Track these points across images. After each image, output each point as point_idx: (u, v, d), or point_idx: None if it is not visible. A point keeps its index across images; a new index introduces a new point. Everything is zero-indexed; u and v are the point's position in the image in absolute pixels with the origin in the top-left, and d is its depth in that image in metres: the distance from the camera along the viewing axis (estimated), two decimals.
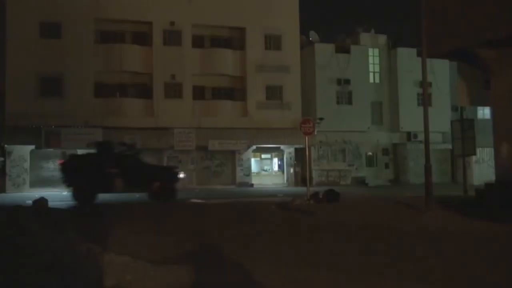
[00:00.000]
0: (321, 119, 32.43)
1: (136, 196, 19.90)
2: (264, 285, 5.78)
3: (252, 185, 33.20)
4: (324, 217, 13.49)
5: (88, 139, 29.89)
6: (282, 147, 34.77)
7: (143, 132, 30.94)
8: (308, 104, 35.04)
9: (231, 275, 6.28)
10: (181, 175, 22.39)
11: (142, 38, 32.89)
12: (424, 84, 15.68)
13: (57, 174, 30.41)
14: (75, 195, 18.88)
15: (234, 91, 34.66)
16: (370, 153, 37.41)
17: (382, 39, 38.10)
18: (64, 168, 19.87)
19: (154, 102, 32.36)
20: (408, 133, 36.55)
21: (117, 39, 32.46)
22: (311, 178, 28.87)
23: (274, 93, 34.53)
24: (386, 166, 37.93)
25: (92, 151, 20.46)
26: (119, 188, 18.99)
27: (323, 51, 36.01)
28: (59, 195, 23.76)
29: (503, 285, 5.87)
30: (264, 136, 32.81)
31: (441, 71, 34.54)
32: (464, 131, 19.67)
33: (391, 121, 37.61)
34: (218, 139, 32.37)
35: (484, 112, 34.32)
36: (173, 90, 32.74)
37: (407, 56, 36.61)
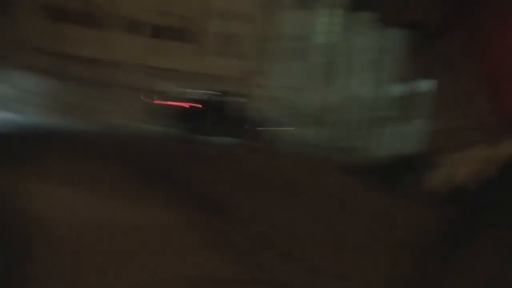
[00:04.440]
0: (271, 72, 32.64)
1: None
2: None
3: None
4: (247, 163, 14.04)
5: (32, 62, 29.24)
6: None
7: (91, 63, 30.40)
8: (261, 56, 35.14)
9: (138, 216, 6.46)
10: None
11: None
12: (375, 52, 16.09)
13: None
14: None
15: (191, 34, 34.34)
16: (312, 111, 38.06)
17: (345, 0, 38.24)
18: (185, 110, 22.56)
19: (107, 33, 31.64)
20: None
21: None
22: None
23: (231, 41, 34.43)
24: (323, 125, 38.71)
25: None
26: (220, 132, 21.92)
27: (284, 4, 35.91)
28: None
29: None
30: (214, 83, 32.82)
31: (393, 38, 35.05)
32: (401, 102, 20.38)
33: (340, 83, 38.18)
34: (167, 80, 32.17)
35: (427, 85, 35.31)
36: (130, 25, 32.12)
37: (364, 21, 36.90)
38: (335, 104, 38.62)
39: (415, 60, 13.67)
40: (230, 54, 34.05)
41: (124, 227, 5.48)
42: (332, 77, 38.51)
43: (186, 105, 22.97)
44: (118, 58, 30.81)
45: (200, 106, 22.78)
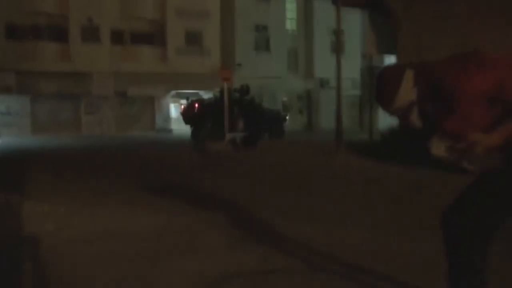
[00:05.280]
0: (239, 65, 32.95)
1: None
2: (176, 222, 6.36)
3: (171, 130, 33.53)
4: (241, 161, 14.32)
5: (0, 83, 29.03)
6: (201, 92, 35.12)
7: (59, 77, 30.26)
8: (227, 50, 35.37)
9: (145, 221, 6.68)
10: (287, 117, 26.57)
11: None
12: (338, 36, 16.56)
13: None
14: (196, 135, 21.71)
15: (154, 36, 34.35)
16: (285, 99, 38.54)
17: None
18: (194, 112, 22.90)
19: (70, 46, 31.53)
20: (322, 80, 37.88)
21: None
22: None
23: (193, 38, 34.53)
24: (300, 111, 39.29)
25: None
26: (240, 128, 21.87)
27: None
28: None
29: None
30: (183, 82, 32.98)
31: (353, 18, 35.70)
32: (372, 79, 20.89)
33: (306, 68, 38.75)
34: (137, 85, 32.20)
35: (391, 60, 36.00)
36: (91, 34, 31.97)
37: (322, 4, 37.43)
38: (307, 89, 39.15)
39: (377, 37, 14.14)
40: (194, 51, 34.18)
41: (141, 233, 5.67)
42: (299, 63, 39.02)
43: (196, 106, 23.35)
44: (84, 69, 30.71)
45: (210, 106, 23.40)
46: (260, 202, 7.65)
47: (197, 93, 34.95)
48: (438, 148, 2.61)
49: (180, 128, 34.50)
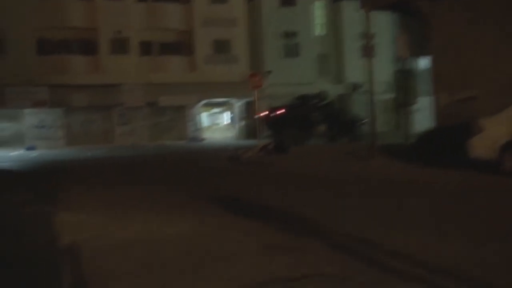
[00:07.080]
0: (269, 72, 32.76)
1: None
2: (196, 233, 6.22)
3: (203, 139, 33.54)
4: (273, 168, 14.12)
5: (34, 98, 29.55)
6: (232, 100, 35.06)
7: (90, 89, 30.55)
8: (256, 57, 35.26)
9: (178, 227, 6.56)
10: (364, 121, 26.27)
11: None
12: (367, 37, 16.27)
13: (5, 134, 30.28)
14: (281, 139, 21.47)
15: (182, 46, 34.44)
16: None
17: None
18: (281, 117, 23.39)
19: (100, 58, 31.83)
20: (355, 84, 37.38)
21: None
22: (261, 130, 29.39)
23: (222, 47, 34.53)
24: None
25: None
26: (322, 132, 22.85)
27: (269, 3, 36.08)
28: (6, 156, 23.46)
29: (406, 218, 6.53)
30: (213, 90, 32.95)
31: (384, 21, 35.20)
32: (406, 82, 20.51)
33: (337, 72, 38.34)
34: (167, 95, 32.32)
35: (424, 62, 35.38)
36: (120, 46, 32.22)
37: (351, 8, 37.04)
38: (339, 93, 38.67)
39: (409, 40, 13.83)
40: (222, 60, 34.19)
41: (174, 240, 5.59)
42: (330, 68, 38.64)
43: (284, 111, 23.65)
44: (114, 81, 30.96)
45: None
46: (296, 208, 7.46)
47: (228, 101, 34.96)
48: (479, 149, 2.42)
49: (212, 136, 34.60)
